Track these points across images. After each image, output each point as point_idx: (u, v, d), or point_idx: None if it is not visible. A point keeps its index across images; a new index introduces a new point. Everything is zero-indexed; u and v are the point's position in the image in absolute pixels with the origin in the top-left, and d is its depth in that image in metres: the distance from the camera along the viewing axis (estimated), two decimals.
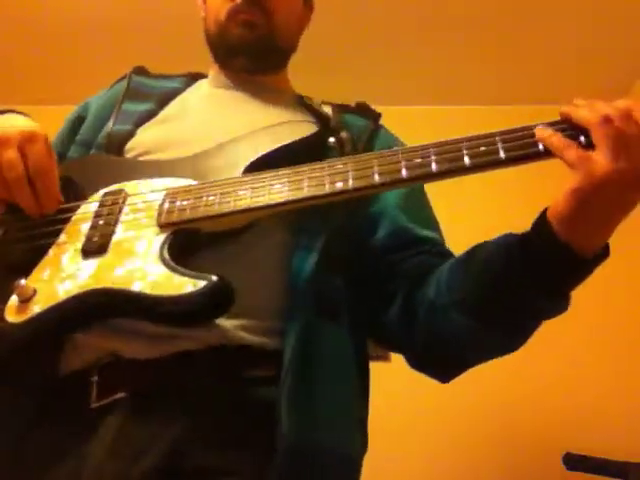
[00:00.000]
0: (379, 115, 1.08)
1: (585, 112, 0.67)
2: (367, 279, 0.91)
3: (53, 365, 0.78)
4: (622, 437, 1.80)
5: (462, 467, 1.87)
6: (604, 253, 0.71)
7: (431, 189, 0.96)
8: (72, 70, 2.42)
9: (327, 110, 1.03)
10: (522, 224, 0.75)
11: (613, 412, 1.87)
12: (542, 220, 0.71)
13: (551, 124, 0.70)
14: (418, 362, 0.90)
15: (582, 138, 0.67)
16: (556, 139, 0.68)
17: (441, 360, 0.87)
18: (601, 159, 0.65)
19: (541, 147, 0.69)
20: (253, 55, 1.03)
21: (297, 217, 0.86)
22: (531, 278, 0.72)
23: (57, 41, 2.31)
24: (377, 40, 2.25)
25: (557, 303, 0.74)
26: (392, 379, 0.95)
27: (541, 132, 0.69)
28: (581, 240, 0.69)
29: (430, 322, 0.83)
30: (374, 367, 0.93)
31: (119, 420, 0.73)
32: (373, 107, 1.09)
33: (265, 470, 0.70)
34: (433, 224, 0.98)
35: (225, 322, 0.77)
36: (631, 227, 0.74)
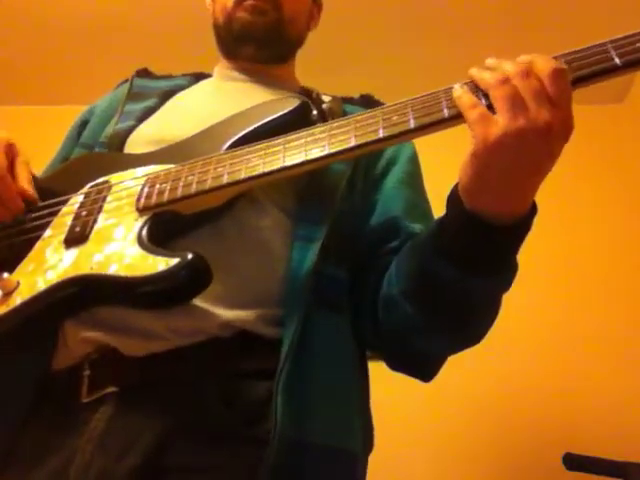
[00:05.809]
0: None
1: (486, 74, 0.64)
2: (362, 270, 0.88)
3: (45, 360, 0.79)
4: (622, 437, 1.78)
5: (462, 467, 1.86)
6: (530, 216, 0.68)
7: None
8: (74, 70, 2.43)
9: (326, 99, 1.02)
10: None
11: (613, 412, 1.86)
12: (452, 191, 0.69)
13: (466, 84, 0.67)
14: (390, 362, 0.88)
15: (483, 100, 0.64)
16: (466, 98, 0.64)
17: (406, 356, 0.85)
18: (498, 121, 0.61)
19: (445, 112, 0.65)
20: (260, 42, 1.03)
21: (298, 205, 0.86)
22: (438, 248, 0.72)
23: (58, 41, 2.31)
24: (376, 39, 2.26)
25: (476, 273, 0.70)
26: (390, 379, 0.93)
27: (455, 91, 0.66)
28: (490, 207, 0.66)
29: (385, 316, 0.82)
30: (373, 366, 0.91)
31: (108, 414, 0.73)
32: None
33: (256, 466, 0.68)
34: (425, 216, 0.95)
35: (222, 311, 0.76)
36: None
